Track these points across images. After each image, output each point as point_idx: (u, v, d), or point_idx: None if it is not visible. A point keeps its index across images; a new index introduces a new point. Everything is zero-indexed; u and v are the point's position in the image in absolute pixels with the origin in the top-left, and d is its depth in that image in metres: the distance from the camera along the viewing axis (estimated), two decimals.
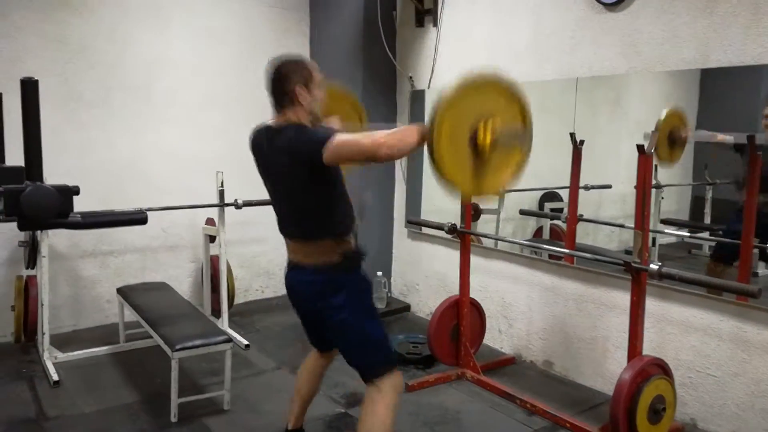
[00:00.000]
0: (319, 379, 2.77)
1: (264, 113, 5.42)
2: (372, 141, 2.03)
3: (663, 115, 3.21)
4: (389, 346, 2.50)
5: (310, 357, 2.75)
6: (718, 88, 3.24)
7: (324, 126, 2.32)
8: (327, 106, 2.48)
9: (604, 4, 3.46)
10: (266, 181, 2.47)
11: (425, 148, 2.10)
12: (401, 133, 2.08)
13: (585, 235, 3.93)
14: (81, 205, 2.86)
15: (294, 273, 2.47)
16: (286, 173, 2.30)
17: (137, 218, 1.69)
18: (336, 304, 2.33)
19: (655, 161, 2.89)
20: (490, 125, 2.13)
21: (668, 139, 3.21)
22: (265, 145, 2.38)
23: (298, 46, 5.31)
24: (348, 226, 2.40)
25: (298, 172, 2.24)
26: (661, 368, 2.84)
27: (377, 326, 2.43)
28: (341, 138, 2.10)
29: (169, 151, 4.73)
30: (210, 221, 4.59)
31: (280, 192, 2.42)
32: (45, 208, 1.48)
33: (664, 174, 3.60)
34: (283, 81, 2.30)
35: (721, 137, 3.18)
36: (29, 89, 1.49)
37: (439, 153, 2.06)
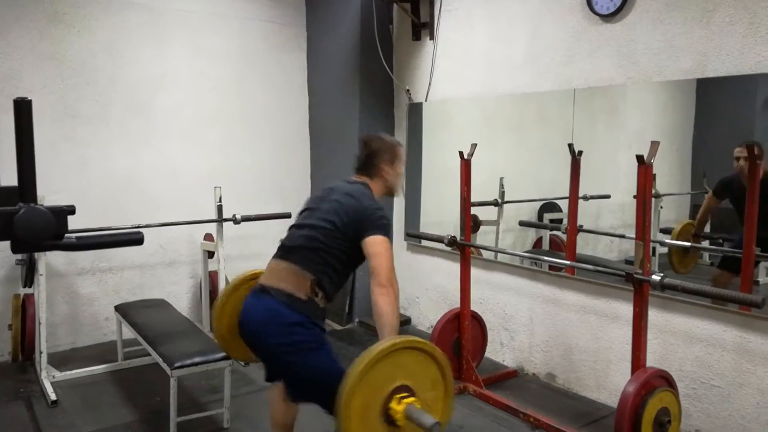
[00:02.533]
0: (292, 405, 2.62)
1: (262, 128, 5.46)
2: (387, 277, 2.23)
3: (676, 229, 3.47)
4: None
5: (275, 387, 2.62)
6: (715, 98, 3.24)
7: (386, 217, 2.42)
8: None
9: (601, 16, 3.47)
10: (311, 205, 2.54)
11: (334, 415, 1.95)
12: (395, 314, 2.22)
13: (585, 245, 3.91)
14: (78, 222, 2.84)
15: (255, 298, 2.40)
16: (335, 208, 2.41)
17: (133, 239, 1.66)
18: (287, 340, 2.28)
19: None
20: (402, 403, 1.95)
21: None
22: (338, 184, 2.55)
23: (296, 62, 5.33)
24: (333, 289, 2.43)
25: (344, 217, 2.38)
26: (666, 380, 2.81)
27: (332, 360, 2.32)
28: (385, 245, 2.31)
29: (167, 167, 4.73)
30: (208, 237, 4.58)
31: (314, 215, 2.46)
32: (39, 231, 1.46)
33: (662, 183, 3.59)
34: (374, 157, 2.55)
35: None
36: (23, 110, 1.47)
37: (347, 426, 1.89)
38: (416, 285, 4.96)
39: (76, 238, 1.60)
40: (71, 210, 1.64)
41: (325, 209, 2.43)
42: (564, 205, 3.94)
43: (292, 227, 2.54)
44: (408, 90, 4.83)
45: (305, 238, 2.41)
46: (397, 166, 2.59)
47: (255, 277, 2.56)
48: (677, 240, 3.54)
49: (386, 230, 2.36)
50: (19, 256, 3.94)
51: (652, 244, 2.93)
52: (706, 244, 3.64)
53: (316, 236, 2.39)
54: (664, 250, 3.76)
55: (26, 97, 1.51)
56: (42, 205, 1.51)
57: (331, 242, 2.38)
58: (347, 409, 1.87)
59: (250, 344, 2.46)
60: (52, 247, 1.57)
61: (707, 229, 3.53)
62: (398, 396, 1.95)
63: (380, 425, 1.95)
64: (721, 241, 3.48)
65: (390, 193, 2.64)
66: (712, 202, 3.38)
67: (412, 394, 1.98)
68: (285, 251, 2.44)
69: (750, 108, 3.14)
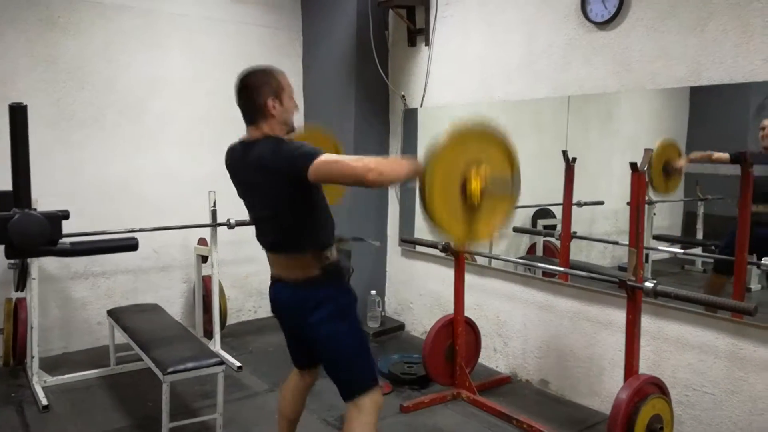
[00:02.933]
0: (303, 399, 2.69)
1: None
2: (362, 164, 1.97)
3: (656, 147, 3.21)
4: (372, 362, 2.41)
5: (292, 377, 2.68)
6: (708, 105, 3.26)
7: (306, 142, 2.19)
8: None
9: (595, 23, 3.48)
10: (244, 196, 2.43)
11: (417, 191, 2.11)
12: (392, 162, 2.07)
13: (578, 251, 3.92)
14: (72, 226, 2.82)
15: (277, 287, 2.45)
16: (263, 186, 2.26)
17: (127, 245, 1.66)
18: (317, 319, 2.30)
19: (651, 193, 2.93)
20: (479, 174, 2.15)
21: (663, 171, 3.22)
22: (240, 160, 2.34)
23: (291, 66, 5.33)
24: (328, 239, 2.35)
25: (277, 185, 2.20)
26: (658, 387, 2.82)
27: (360, 341, 2.38)
28: (329, 156, 2.07)
29: (162, 171, 4.72)
30: (202, 241, 4.56)
31: (257, 206, 2.39)
32: (33, 237, 1.46)
33: None
34: (253, 93, 2.27)
35: (717, 155, 3.19)
36: (18, 115, 1.47)
37: (431, 200, 2.08)
38: (410, 290, 4.96)
39: (71, 243, 1.59)
40: (65, 215, 1.63)
41: (259, 198, 2.33)
42: (558, 211, 3.95)
43: (253, 221, 2.46)
44: (403, 96, 4.84)
45: (273, 231, 2.37)
46: (284, 99, 2.28)
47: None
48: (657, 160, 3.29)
49: (315, 150, 2.08)
50: (11, 260, 3.92)
51: (645, 251, 2.94)
52: (698, 251, 3.67)
53: (278, 224, 2.32)
54: (658, 256, 3.78)
55: (21, 102, 1.50)
56: (36, 210, 1.50)
57: (291, 214, 2.26)
58: (431, 182, 2.05)
59: (284, 324, 2.54)
60: (47, 253, 1.56)
61: (699, 235, 3.55)
62: (474, 169, 2.15)
63: (457, 197, 2.15)
64: (713, 247, 3.50)
65: (289, 130, 2.34)
66: (724, 159, 3.16)
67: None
68: (269, 245, 2.43)
69: (743, 116, 3.16)
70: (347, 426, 2.35)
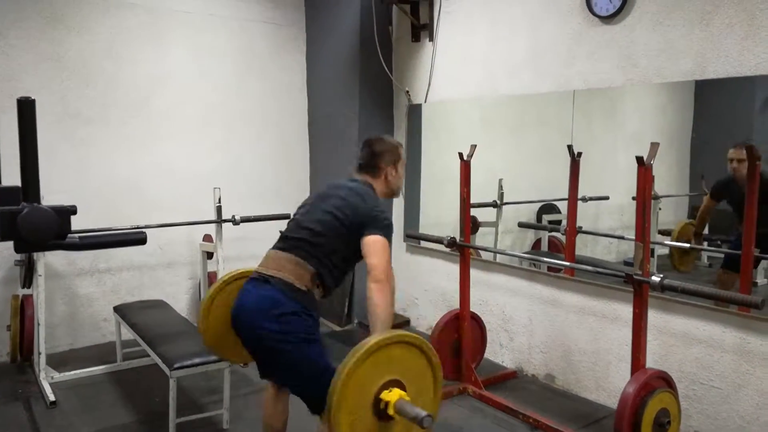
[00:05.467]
0: (285, 407, 2.63)
1: (261, 129, 5.45)
2: (385, 273, 2.27)
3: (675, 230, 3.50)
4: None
5: (269, 387, 2.63)
6: (713, 99, 3.25)
7: (389, 219, 2.46)
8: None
9: (600, 17, 3.47)
10: (312, 201, 2.56)
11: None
12: (390, 307, 2.31)
13: (583, 246, 3.92)
14: (78, 223, 2.83)
15: (252, 284, 2.41)
16: (335, 210, 2.42)
17: (136, 238, 1.66)
18: (280, 328, 2.27)
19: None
20: (391, 399, 1.96)
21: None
22: (342, 181, 2.58)
23: (295, 63, 5.34)
24: (332, 282, 2.46)
25: (343, 217, 2.40)
26: (665, 381, 2.82)
27: (322, 359, 2.33)
28: (380, 247, 2.33)
29: (167, 167, 4.73)
30: (207, 237, 4.57)
31: (319, 211, 2.46)
32: (42, 230, 1.46)
33: (661, 184, 3.60)
34: (377, 157, 2.59)
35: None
36: (26, 109, 1.47)
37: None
38: (415, 286, 4.96)
39: (79, 237, 1.59)
40: (74, 210, 1.64)
41: (331, 204, 2.45)
42: (563, 206, 3.94)
43: (292, 219, 2.55)
44: (407, 91, 4.84)
45: (308, 231, 2.42)
46: (399, 168, 2.63)
47: (243, 276, 2.55)
48: (677, 240, 3.55)
49: (387, 232, 2.39)
50: (18, 257, 3.93)
51: (651, 246, 2.94)
52: (705, 245, 3.66)
53: (319, 230, 2.41)
54: (664, 251, 3.77)
55: (29, 97, 1.51)
56: (45, 204, 1.51)
57: (334, 237, 2.40)
58: (338, 408, 1.87)
59: (241, 332, 2.44)
60: (56, 247, 1.57)
61: (705, 230, 3.54)
62: (388, 391, 1.97)
63: (372, 420, 1.97)
64: (719, 242, 3.49)
65: (391, 195, 2.68)
66: (710, 204, 3.41)
67: (402, 389, 1.99)
68: (287, 242, 2.46)
69: (748, 109, 3.15)
70: None
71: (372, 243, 2.33)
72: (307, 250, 2.39)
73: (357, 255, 2.41)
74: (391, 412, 1.95)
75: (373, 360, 1.95)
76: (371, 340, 1.95)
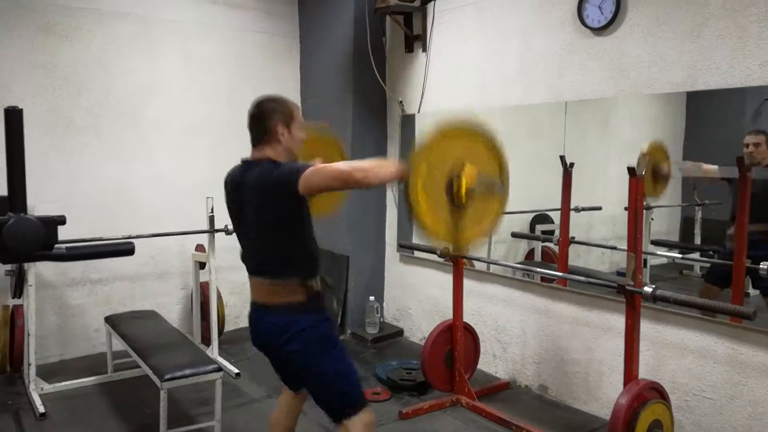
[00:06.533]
0: (296, 415, 2.65)
1: None
2: (348, 165, 2.08)
3: (644, 149, 3.13)
4: (357, 385, 2.38)
5: (285, 394, 2.64)
6: (705, 110, 3.26)
7: (297, 162, 2.31)
8: (310, 148, 2.50)
9: (592, 29, 3.49)
10: (236, 215, 2.42)
11: (405, 193, 2.08)
12: (378, 162, 2.09)
13: (576, 256, 3.92)
14: (69, 232, 2.81)
15: (258, 314, 2.41)
16: (257, 206, 2.27)
17: (124, 249, 1.65)
18: (297, 347, 2.27)
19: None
20: (465, 173, 2.12)
21: (652, 174, 3.17)
22: (238, 178, 2.36)
23: (289, 72, 5.34)
24: (315, 268, 2.36)
25: (270, 204, 2.23)
26: (658, 392, 2.81)
27: (344, 366, 2.35)
28: (318, 165, 2.15)
29: (159, 177, 4.71)
30: (200, 247, 4.55)
31: (249, 226, 2.36)
32: (28, 241, 1.45)
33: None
34: (265, 118, 2.33)
35: (706, 167, 3.20)
36: (13, 118, 1.46)
37: (416, 200, 2.04)
38: (409, 296, 4.95)
39: (66, 248, 1.58)
40: (62, 220, 1.63)
41: (251, 217, 2.31)
42: (556, 216, 3.95)
43: (242, 243, 2.45)
44: (401, 102, 4.85)
45: (262, 254, 2.35)
46: (293, 129, 2.33)
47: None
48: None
49: (306, 164, 2.18)
50: (8, 267, 3.90)
51: (643, 256, 2.94)
52: (696, 256, 3.67)
53: (269, 244, 2.32)
54: (656, 261, 3.77)
55: (17, 106, 1.50)
56: (32, 215, 1.50)
57: (280, 234, 2.27)
58: (415, 184, 2.01)
59: (267, 353, 2.47)
60: (42, 258, 1.56)
61: (697, 240, 3.54)
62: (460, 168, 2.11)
63: (443, 199, 2.12)
64: (711, 253, 3.50)
65: (291, 159, 2.37)
66: (710, 172, 3.26)
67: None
68: (254, 268, 2.41)
69: (739, 121, 3.17)
70: None
71: (310, 174, 2.09)
72: (275, 266, 2.32)
73: (305, 225, 2.29)
74: (468, 182, 2.09)
75: (443, 138, 2.11)
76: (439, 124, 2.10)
